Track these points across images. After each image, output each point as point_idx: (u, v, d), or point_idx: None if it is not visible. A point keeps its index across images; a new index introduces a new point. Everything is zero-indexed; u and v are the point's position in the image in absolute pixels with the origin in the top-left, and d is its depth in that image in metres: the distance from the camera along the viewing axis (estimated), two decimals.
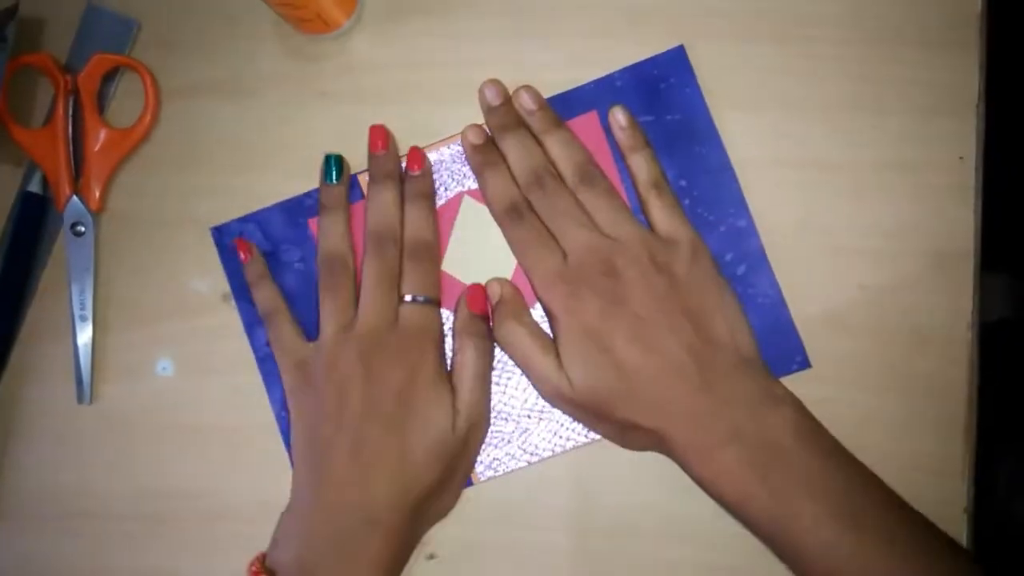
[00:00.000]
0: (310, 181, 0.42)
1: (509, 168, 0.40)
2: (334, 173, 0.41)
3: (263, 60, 0.43)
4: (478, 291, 0.40)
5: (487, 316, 0.40)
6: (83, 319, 0.42)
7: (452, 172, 0.41)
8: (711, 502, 0.39)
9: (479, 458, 0.41)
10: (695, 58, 0.41)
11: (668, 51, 0.41)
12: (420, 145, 0.41)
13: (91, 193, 0.42)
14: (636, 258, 0.37)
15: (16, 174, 0.44)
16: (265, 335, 0.41)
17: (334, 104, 0.42)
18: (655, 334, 0.36)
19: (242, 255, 0.41)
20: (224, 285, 0.42)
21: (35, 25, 0.44)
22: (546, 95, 0.41)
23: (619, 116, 0.40)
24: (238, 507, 0.42)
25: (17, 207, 0.43)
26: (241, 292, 0.42)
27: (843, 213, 0.40)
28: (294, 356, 0.40)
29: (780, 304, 0.40)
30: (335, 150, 0.42)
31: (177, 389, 0.42)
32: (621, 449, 0.40)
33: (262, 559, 0.37)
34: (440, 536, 0.40)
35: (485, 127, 0.41)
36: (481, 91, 0.41)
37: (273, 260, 0.42)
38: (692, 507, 0.40)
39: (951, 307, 0.40)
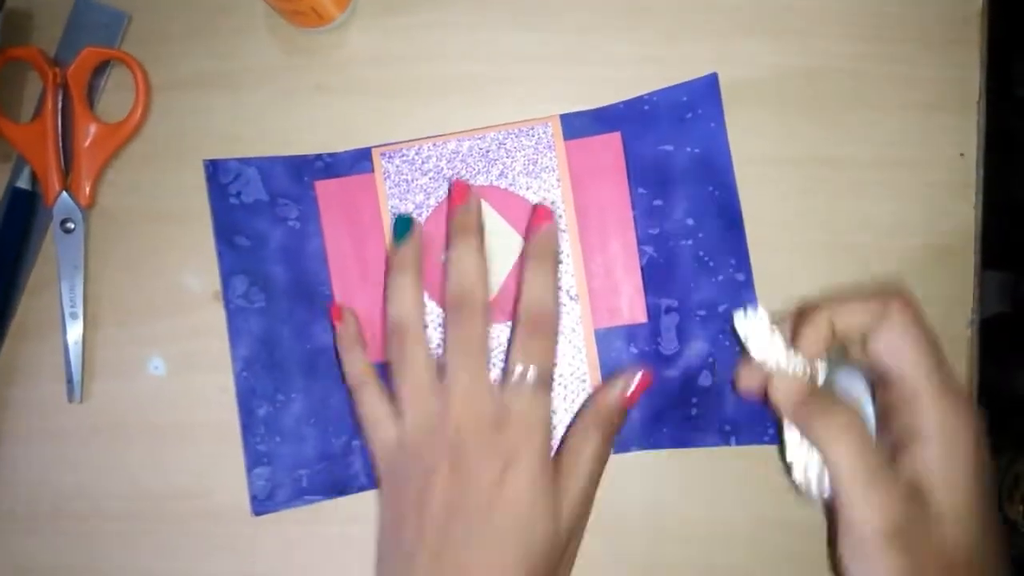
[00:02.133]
0: None
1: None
2: (400, 233, 0.38)
3: (256, 53, 0.42)
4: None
5: (629, 406, 0.37)
6: (73, 317, 0.42)
7: (468, 165, 0.41)
8: (710, 503, 0.39)
9: None
10: (692, 56, 0.40)
11: (701, 79, 0.40)
12: (433, 135, 0.41)
13: (81, 189, 0.42)
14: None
15: (4, 170, 0.43)
16: (241, 287, 0.41)
17: (328, 98, 0.42)
18: None
19: (336, 322, 0.39)
20: (216, 283, 0.42)
21: (23, 18, 0.43)
22: (545, 88, 0.41)
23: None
24: (231, 507, 0.41)
25: (5, 203, 0.42)
26: (221, 233, 0.41)
27: (843, 210, 0.40)
28: (383, 439, 0.36)
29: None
30: (329, 144, 0.41)
31: (169, 388, 0.42)
32: (617, 453, 0.39)
33: None
34: None
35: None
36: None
37: (267, 212, 0.41)
38: (691, 507, 0.39)
39: (951, 304, 0.40)
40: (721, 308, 0.40)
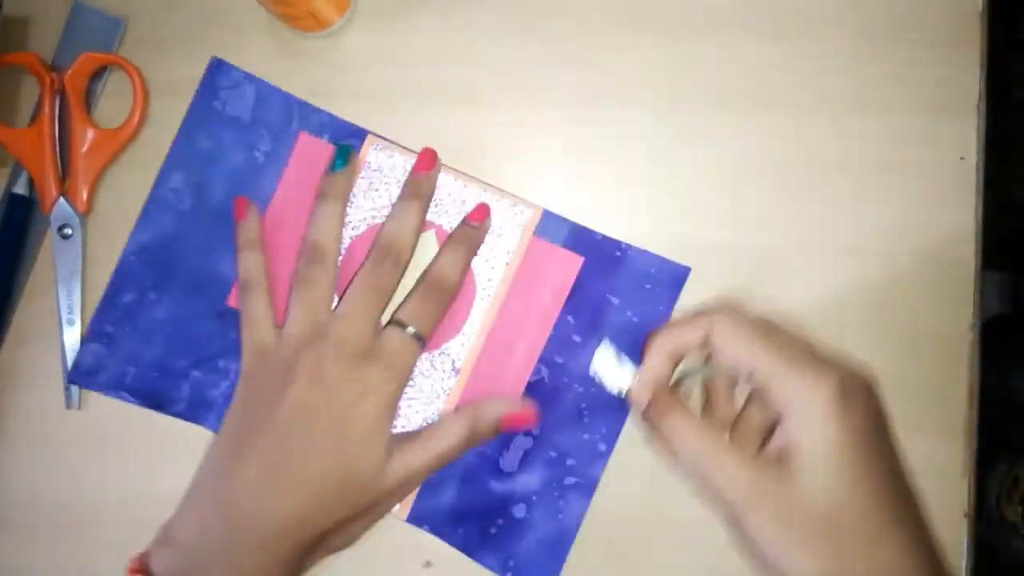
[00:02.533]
0: None
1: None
2: (340, 162, 0.39)
3: (253, 58, 0.42)
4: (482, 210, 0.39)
5: (501, 428, 0.38)
6: (70, 323, 0.41)
7: (440, 201, 0.40)
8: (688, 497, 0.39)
9: None
10: (694, 58, 0.40)
11: (676, 266, 0.40)
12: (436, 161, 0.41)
13: (78, 194, 0.42)
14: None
15: (1, 175, 0.43)
16: (176, 182, 0.41)
17: (326, 102, 0.41)
18: None
19: (237, 213, 0.40)
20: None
21: (20, 24, 0.43)
22: (544, 92, 0.41)
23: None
24: None
25: (2, 209, 0.42)
26: (187, 127, 0.41)
27: (843, 213, 0.40)
28: (259, 339, 0.38)
29: (569, 534, 0.39)
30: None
31: None
32: (619, 456, 0.39)
33: (143, 559, 0.36)
34: (435, 543, 0.40)
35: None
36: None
37: (241, 132, 0.41)
38: (693, 511, 0.39)
39: (951, 307, 0.40)
40: (569, 462, 0.39)
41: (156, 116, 0.42)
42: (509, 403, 0.38)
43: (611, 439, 0.40)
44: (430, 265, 0.39)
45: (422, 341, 0.37)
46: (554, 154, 0.41)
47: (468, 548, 0.39)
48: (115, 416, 0.42)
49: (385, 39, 0.42)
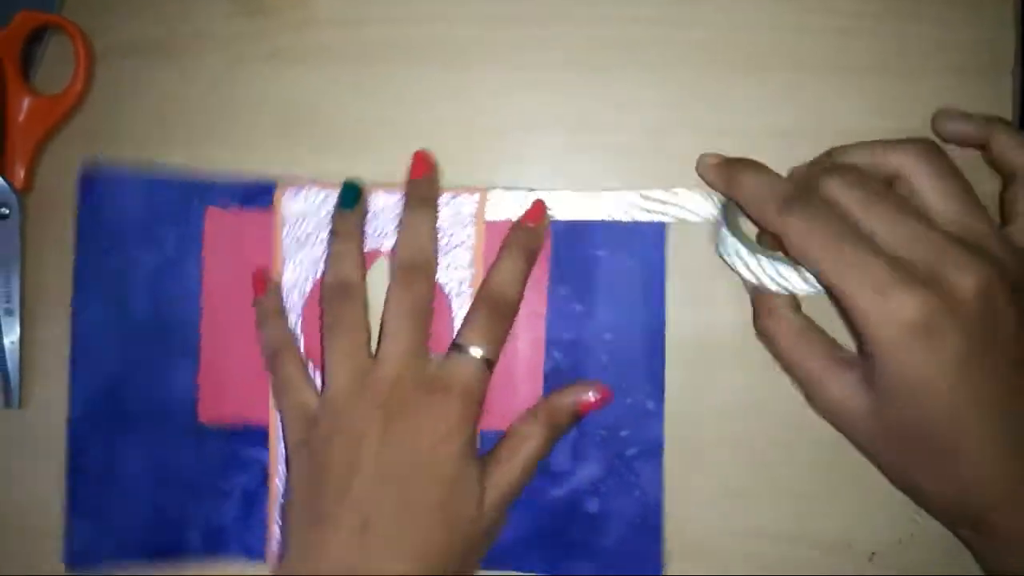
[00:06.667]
0: (260, 153, 0.39)
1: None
2: (352, 200, 0.36)
3: (207, 16, 0.39)
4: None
5: (580, 415, 0.36)
6: (9, 313, 0.39)
7: (376, 226, 0.38)
8: (699, 508, 0.38)
9: None
10: (699, 14, 0.38)
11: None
12: (431, 178, 0.37)
13: (15, 170, 0.39)
14: None
15: None
16: (96, 315, 0.38)
17: (289, 65, 0.39)
18: None
19: (256, 289, 0.37)
20: None
21: None
22: (530, 52, 0.38)
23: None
24: None
25: None
26: (85, 251, 0.38)
27: None
28: (301, 401, 0.35)
29: (656, 506, 0.37)
30: (290, 117, 0.39)
31: None
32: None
33: None
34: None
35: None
36: None
37: (138, 229, 0.38)
38: (681, 510, 0.38)
39: None
40: (623, 433, 0.37)
41: (101, 82, 0.40)
42: (579, 390, 0.36)
43: (657, 394, 0.37)
44: (486, 278, 0.36)
45: (493, 364, 0.34)
46: (543, 119, 0.39)
47: (557, 568, 0.37)
48: (60, 415, 0.39)
49: None
